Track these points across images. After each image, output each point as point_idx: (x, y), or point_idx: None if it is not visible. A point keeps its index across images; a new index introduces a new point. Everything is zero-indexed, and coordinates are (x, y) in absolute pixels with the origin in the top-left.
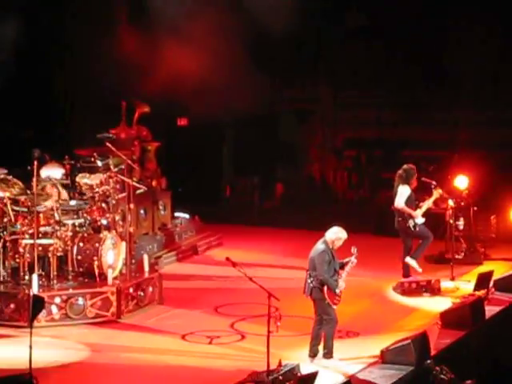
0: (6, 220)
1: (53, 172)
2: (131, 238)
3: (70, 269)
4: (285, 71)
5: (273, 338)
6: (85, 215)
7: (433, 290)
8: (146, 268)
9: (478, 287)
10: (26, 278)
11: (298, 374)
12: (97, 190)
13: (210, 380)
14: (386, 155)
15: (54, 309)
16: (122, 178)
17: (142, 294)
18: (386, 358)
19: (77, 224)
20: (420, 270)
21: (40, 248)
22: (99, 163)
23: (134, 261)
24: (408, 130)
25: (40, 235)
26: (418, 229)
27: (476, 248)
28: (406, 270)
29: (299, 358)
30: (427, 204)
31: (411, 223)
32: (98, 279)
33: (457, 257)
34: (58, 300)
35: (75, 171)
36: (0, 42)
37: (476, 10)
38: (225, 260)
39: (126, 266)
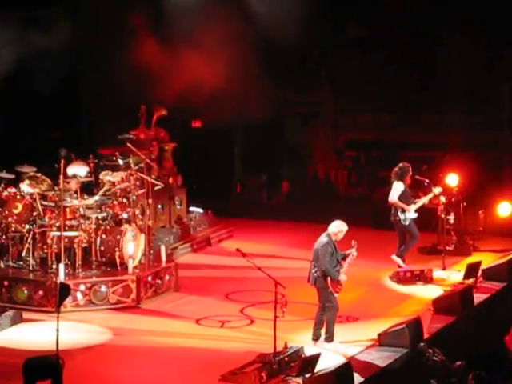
0: (35, 214)
1: (78, 170)
2: (150, 230)
3: (94, 259)
4: (290, 78)
5: (279, 322)
6: (107, 209)
7: (426, 278)
8: (163, 258)
9: (467, 276)
10: (54, 267)
11: (302, 356)
12: (118, 186)
13: (221, 361)
14: (383, 155)
15: (79, 295)
16: (142, 175)
17: (159, 281)
18: (383, 341)
19: (100, 218)
20: (404, 265)
21: (66, 240)
22: (120, 162)
23: (152, 251)
24: (403, 133)
25: (66, 228)
26: (408, 223)
27: (465, 240)
28: (401, 254)
29: (303, 341)
30: (424, 200)
31: (402, 217)
32: (119, 268)
33: (448, 248)
34: (82, 287)
35: (99, 169)
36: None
37: (465, 23)
38: (235, 251)
39: (145, 256)
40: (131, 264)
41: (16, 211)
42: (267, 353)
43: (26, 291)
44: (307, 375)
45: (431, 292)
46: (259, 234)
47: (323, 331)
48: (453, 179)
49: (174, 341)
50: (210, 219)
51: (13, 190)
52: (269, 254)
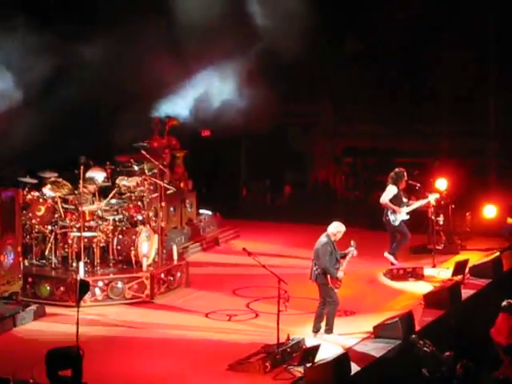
0: (56, 216)
1: (96, 175)
2: (162, 231)
3: (111, 257)
4: (292, 90)
5: (282, 316)
6: (123, 212)
7: (417, 275)
8: (175, 257)
9: (455, 273)
10: (74, 265)
11: (304, 347)
12: (133, 190)
13: (228, 351)
14: (379, 162)
15: (97, 291)
16: (155, 180)
17: (171, 278)
18: (378, 333)
19: (117, 219)
20: (396, 262)
21: (86, 240)
22: (135, 168)
23: (164, 251)
24: (397, 141)
25: (86, 229)
26: (397, 224)
27: (454, 240)
28: (393, 252)
29: (304, 333)
30: (418, 204)
31: (392, 218)
32: (134, 266)
33: (437, 247)
34: (100, 283)
35: (115, 175)
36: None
37: (454, 40)
38: (241, 250)
39: (158, 255)
40: (145, 262)
41: (39, 213)
42: (271, 344)
43: (48, 287)
44: (308, 365)
45: (422, 288)
46: (263, 234)
47: (323, 324)
48: (442, 184)
49: (185, 333)
50: (218, 221)
51: (36, 193)
52: (272, 252)
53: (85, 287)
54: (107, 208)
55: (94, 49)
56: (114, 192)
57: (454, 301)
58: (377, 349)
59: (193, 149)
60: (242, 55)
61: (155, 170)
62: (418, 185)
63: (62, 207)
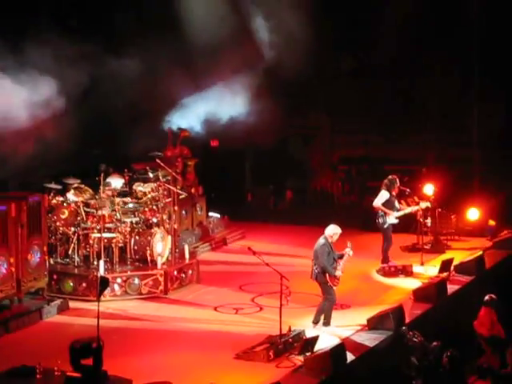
0: (79, 219)
1: (115, 182)
2: (175, 232)
3: (128, 256)
4: (293, 103)
5: (284, 309)
6: (140, 215)
7: (407, 272)
8: (187, 255)
9: (441, 270)
10: (95, 263)
11: (304, 338)
12: (149, 195)
13: (235, 342)
14: (372, 169)
15: (116, 287)
16: (169, 186)
17: (183, 275)
18: (371, 325)
19: (134, 222)
20: (392, 261)
21: (105, 240)
22: (151, 175)
23: (177, 250)
24: (389, 150)
25: (105, 230)
26: (386, 226)
27: (440, 240)
28: (385, 258)
29: (304, 325)
30: (409, 209)
31: (381, 220)
32: (149, 264)
33: (425, 247)
34: (119, 280)
35: (132, 181)
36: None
37: (441, 57)
38: (247, 249)
39: (172, 254)
40: (160, 261)
41: (63, 216)
42: (274, 335)
43: (71, 283)
44: (308, 354)
45: (412, 284)
46: (267, 235)
47: (322, 317)
48: (429, 189)
49: (196, 325)
50: (226, 223)
51: (60, 198)
52: (275, 252)
53: (105, 283)
54: (125, 211)
55: (119, 65)
56: (143, 200)
57: (440, 296)
58: (370, 339)
59: (203, 157)
60: (249, 71)
61: (169, 177)
62: (408, 190)
63: (84, 211)
